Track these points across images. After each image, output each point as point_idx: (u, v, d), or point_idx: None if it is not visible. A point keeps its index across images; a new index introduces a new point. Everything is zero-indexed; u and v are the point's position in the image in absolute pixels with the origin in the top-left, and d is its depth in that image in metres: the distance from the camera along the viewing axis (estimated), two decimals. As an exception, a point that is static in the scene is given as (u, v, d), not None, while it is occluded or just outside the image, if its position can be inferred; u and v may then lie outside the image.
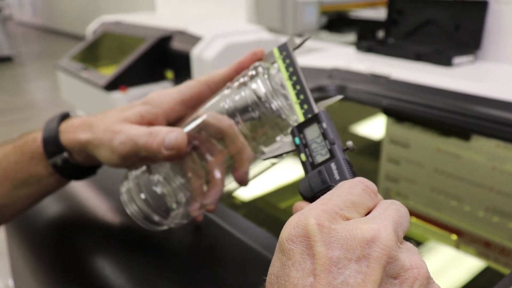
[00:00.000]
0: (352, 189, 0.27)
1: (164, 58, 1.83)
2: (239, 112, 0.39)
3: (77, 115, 0.47)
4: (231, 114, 0.39)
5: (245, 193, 0.74)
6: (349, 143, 0.33)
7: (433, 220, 0.68)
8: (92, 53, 2.20)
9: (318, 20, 3.42)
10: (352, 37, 3.28)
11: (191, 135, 0.41)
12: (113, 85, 1.74)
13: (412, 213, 0.70)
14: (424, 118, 0.88)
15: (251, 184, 0.44)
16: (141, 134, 0.40)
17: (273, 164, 0.43)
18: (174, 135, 0.39)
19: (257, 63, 0.40)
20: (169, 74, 1.85)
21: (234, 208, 0.71)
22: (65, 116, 0.46)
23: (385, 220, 0.24)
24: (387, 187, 0.80)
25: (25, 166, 0.44)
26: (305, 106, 0.35)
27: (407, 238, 0.26)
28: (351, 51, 1.32)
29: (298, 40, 0.40)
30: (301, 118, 0.35)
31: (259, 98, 0.38)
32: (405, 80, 0.98)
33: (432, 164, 0.83)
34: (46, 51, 6.36)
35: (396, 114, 0.96)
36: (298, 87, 0.36)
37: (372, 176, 0.83)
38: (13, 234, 0.55)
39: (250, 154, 0.41)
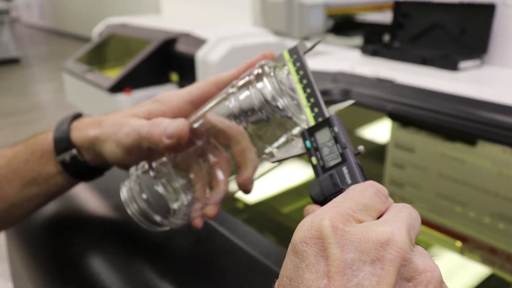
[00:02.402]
0: (364, 192, 0.27)
1: (169, 60, 1.84)
2: (244, 110, 0.39)
3: (89, 115, 0.48)
4: (236, 112, 0.39)
5: (247, 198, 0.74)
6: (360, 148, 0.33)
7: (438, 226, 0.68)
8: (98, 55, 2.21)
9: (325, 23, 3.42)
10: (358, 40, 3.27)
11: (193, 130, 0.41)
12: (117, 87, 1.75)
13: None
14: (429, 123, 0.87)
15: (253, 186, 0.44)
16: (144, 125, 0.41)
17: (279, 164, 0.42)
18: (175, 124, 0.39)
19: (263, 61, 0.40)
20: (174, 76, 1.85)
21: (236, 213, 0.71)
22: (77, 116, 0.47)
23: (398, 223, 0.24)
24: (391, 191, 0.79)
25: (35, 164, 0.45)
26: (316, 110, 0.35)
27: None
28: (356, 54, 1.32)
29: (308, 44, 0.39)
30: (312, 121, 0.35)
31: (265, 96, 0.37)
32: (410, 84, 0.97)
33: (437, 169, 0.82)
34: (53, 53, 6.40)
35: (401, 119, 0.95)
36: (308, 90, 0.36)
37: (377, 180, 0.81)
38: (12, 236, 0.55)
39: (255, 158, 0.41)
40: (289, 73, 0.38)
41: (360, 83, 1.01)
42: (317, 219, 0.24)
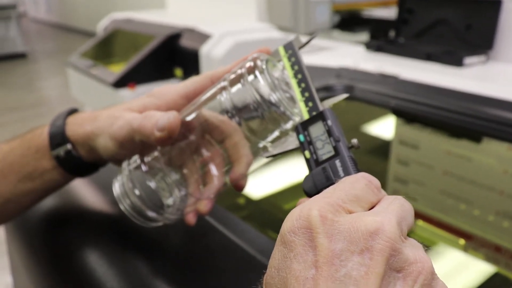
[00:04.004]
0: (355, 184, 0.27)
1: (173, 55, 1.83)
2: (236, 104, 0.38)
3: (86, 110, 0.48)
4: (228, 106, 0.39)
5: (248, 194, 0.74)
6: (354, 141, 0.33)
7: (441, 224, 0.67)
8: (102, 50, 2.21)
9: (331, 19, 3.40)
10: (364, 36, 3.26)
11: (185, 123, 0.41)
12: (121, 83, 1.75)
13: (419, 216, 0.69)
14: (434, 120, 0.86)
15: (247, 182, 0.43)
16: (136, 117, 0.41)
17: (272, 159, 0.42)
18: (166, 117, 0.39)
19: (255, 55, 0.39)
20: (178, 72, 1.85)
21: (237, 209, 0.71)
22: (73, 111, 0.47)
23: (389, 214, 0.24)
24: (395, 188, 0.79)
25: (30, 159, 0.45)
26: (310, 104, 0.35)
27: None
28: (360, 50, 1.31)
29: (304, 39, 0.39)
30: (306, 116, 0.35)
31: (257, 90, 0.37)
32: (414, 80, 0.97)
33: (442, 166, 0.81)
34: (60, 48, 6.42)
35: (405, 115, 0.95)
36: (303, 85, 0.36)
37: (381, 177, 0.81)
38: (10, 230, 0.55)
39: (249, 153, 0.40)
40: (284, 68, 0.38)
41: (364, 79, 1.00)
42: (305, 209, 0.24)
